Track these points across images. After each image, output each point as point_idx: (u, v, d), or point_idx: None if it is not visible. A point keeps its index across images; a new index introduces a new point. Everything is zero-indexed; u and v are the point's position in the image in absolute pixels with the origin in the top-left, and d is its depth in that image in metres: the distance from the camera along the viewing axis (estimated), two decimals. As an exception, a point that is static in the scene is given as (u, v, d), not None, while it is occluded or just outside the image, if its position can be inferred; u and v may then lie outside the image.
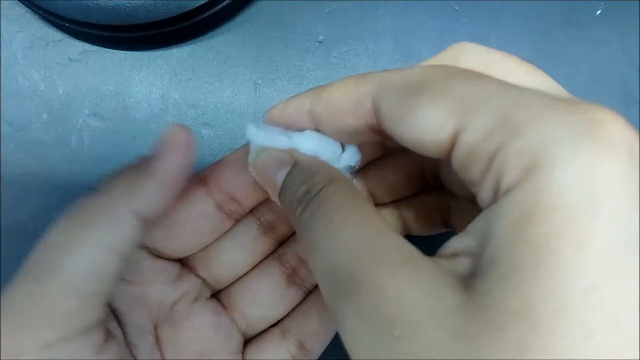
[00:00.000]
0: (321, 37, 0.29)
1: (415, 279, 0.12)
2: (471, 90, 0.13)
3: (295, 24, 0.29)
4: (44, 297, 0.16)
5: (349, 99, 0.16)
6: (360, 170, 0.21)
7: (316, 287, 0.23)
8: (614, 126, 0.12)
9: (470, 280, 0.12)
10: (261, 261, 0.23)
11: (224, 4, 0.27)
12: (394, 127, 0.15)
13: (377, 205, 0.23)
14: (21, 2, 0.27)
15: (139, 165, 0.18)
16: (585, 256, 0.11)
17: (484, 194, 0.13)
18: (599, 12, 0.29)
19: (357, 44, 0.29)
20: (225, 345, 0.22)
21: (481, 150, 0.13)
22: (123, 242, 0.17)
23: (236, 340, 0.22)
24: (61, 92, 0.29)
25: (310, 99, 0.17)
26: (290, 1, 0.29)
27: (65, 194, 0.29)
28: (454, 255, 0.13)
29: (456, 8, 0.29)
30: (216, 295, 0.23)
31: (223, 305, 0.23)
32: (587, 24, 0.28)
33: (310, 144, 0.18)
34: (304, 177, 0.17)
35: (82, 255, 0.16)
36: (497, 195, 0.12)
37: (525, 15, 0.29)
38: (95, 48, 0.29)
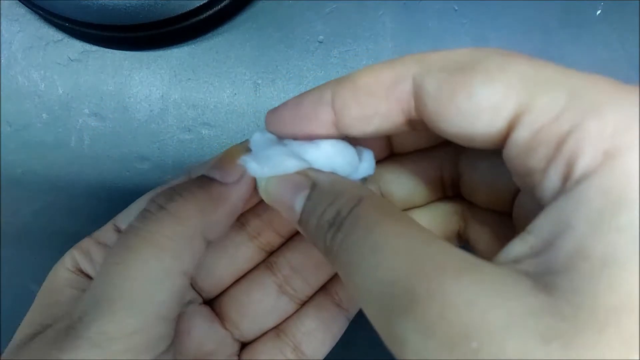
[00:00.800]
0: (321, 37, 0.29)
1: (485, 284, 0.11)
2: (534, 69, 0.12)
3: (295, 24, 0.29)
4: (140, 328, 0.16)
5: (382, 81, 0.15)
6: (371, 178, 0.20)
7: (312, 297, 0.23)
8: None
9: (547, 279, 0.11)
10: (252, 271, 0.23)
11: (224, 4, 0.27)
12: (440, 110, 0.13)
13: None
14: (21, 2, 0.28)
15: (209, 191, 0.18)
16: None
17: (549, 182, 0.12)
18: (599, 12, 0.29)
19: (357, 44, 0.29)
20: (219, 349, 0.22)
21: (550, 131, 0.12)
22: (195, 265, 0.18)
23: (230, 345, 0.22)
24: (61, 92, 0.29)
25: (331, 89, 0.16)
26: (290, 1, 0.29)
27: (65, 194, 0.29)
28: (517, 260, 0.12)
29: (456, 8, 0.29)
30: (209, 303, 0.23)
31: (216, 313, 0.23)
32: (587, 24, 0.28)
33: (326, 160, 0.17)
34: (328, 200, 0.15)
35: (170, 285, 0.17)
36: (567, 182, 0.11)
37: (525, 15, 0.29)
38: (95, 48, 0.29)
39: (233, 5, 0.28)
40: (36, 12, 0.28)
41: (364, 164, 0.18)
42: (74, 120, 0.29)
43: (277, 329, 0.23)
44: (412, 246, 0.12)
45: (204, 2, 0.26)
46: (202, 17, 0.27)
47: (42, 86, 0.29)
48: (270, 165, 0.17)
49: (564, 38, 0.28)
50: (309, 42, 0.29)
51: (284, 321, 0.23)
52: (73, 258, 0.20)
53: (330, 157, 0.17)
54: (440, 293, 0.11)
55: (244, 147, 0.19)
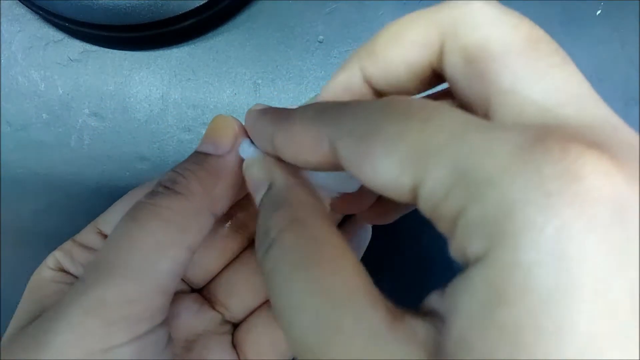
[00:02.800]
0: (321, 37, 0.29)
1: (376, 353, 0.11)
2: (425, 137, 0.12)
3: (295, 24, 0.29)
4: (140, 296, 0.16)
5: (308, 137, 0.15)
6: None
7: None
8: (595, 179, 0.10)
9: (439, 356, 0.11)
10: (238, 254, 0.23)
11: (224, 4, 0.27)
12: (356, 174, 0.13)
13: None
14: (21, 2, 0.27)
15: (207, 166, 0.18)
16: (563, 351, 0.09)
17: (454, 253, 0.11)
18: (599, 12, 0.29)
19: (357, 44, 0.29)
20: (210, 329, 0.22)
21: (442, 210, 0.11)
22: (200, 242, 0.18)
23: (221, 326, 0.23)
24: (61, 92, 0.29)
25: (274, 127, 0.16)
26: (290, 1, 0.29)
27: (65, 194, 0.29)
28: (430, 313, 0.12)
29: (456, 8, 0.29)
30: (197, 291, 0.23)
31: (204, 298, 0.23)
32: (587, 23, 0.28)
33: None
34: (271, 208, 0.16)
35: (173, 257, 0.17)
36: (465, 261, 0.11)
37: (525, 15, 0.29)
38: (95, 48, 0.29)
39: (233, 5, 0.28)
40: (36, 12, 0.28)
41: (351, 183, 0.18)
42: (74, 120, 0.29)
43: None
44: (327, 307, 0.12)
45: (204, 2, 0.26)
46: (202, 17, 0.27)
47: (42, 86, 0.29)
48: (244, 148, 0.18)
49: (564, 38, 0.28)
50: (309, 42, 0.29)
51: None
52: (55, 259, 0.20)
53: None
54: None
55: (230, 117, 0.19)
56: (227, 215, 0.23)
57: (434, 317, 0.12)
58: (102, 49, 0.29)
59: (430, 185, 0.11)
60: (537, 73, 0.13)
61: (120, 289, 0.16)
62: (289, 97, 0.29)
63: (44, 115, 0.29)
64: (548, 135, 0.10)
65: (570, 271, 0.09)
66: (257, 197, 0.17)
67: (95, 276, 0.16)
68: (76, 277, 0.20)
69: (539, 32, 0.15)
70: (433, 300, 0.12)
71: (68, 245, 0.21)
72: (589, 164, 0.10)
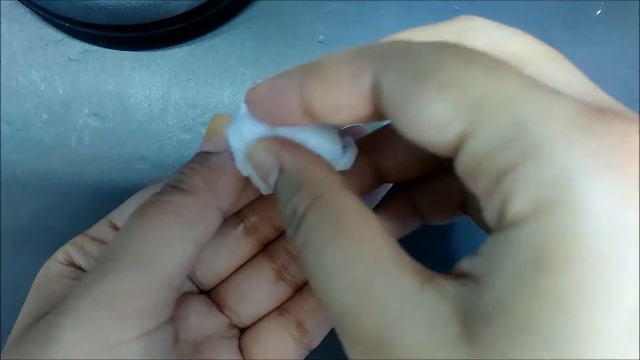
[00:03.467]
0: (321, 37, 0.29)
1: (414, 326, 0.11)
2: (489, 87, 0.11)
3: (295, 24, 0.29)
4: (148, 289, 0.16)
5: (345, 72, 0.14)
6: (367, 145, 0.20)
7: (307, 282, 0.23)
8: None
9: (470, 323, 0.11)
10: (250, 259, 0.23)
11: (224, 4, 0.27)
12: (395, 114, 0.13)
13: (390, 188, 0.21)
14: (21, 2, 0.27)
15: (208, 164, 0.19)
16: (609, 321, 0.09)
17: (488, 213, 0.11)
18: (599, 12, 0.29)
19: (357, 44, 0.29)
20: (218, 333, 0.22)
21: (489, 164, 0.11)
22: (208, 238, 0.18)
23: (229, 330, 0.22)
24: (61, 92, 0.29)
25: (299, 76, 0.15)
26: (290, 1, 0.29)
27: (65, 194, 0.29)
28: (463, 275, 0.12)
29: (456, 8, 0.29)
30: (206, 292, 0.23)
31: (213, 301, 0.23)
32: (587, 24, 0.28)
33: (312, 139, 0.17)
34: (291, 190, 0.15)
35: (180, 251, 0.17)
36: (502, 222, 0.11)
37: (525, 15, 0.29)
38: (95, 48, 0.29)
39: (233, 5, 0.28)
40: (36, 12, 0.28)
41: (344, 158, 0.18)
42: (74, 120, 0.29)
43: (281, 308, 0.23)
44: (359, 273, 0.13)
45: (204, 2, 0.26)
46: (202, 17, 0.27)
47: (42, 86, 0.29)
48: (239, 136, 0.18)
49: (564, 38, 0.28)
50: (309, 42, 0.29)
51: (287, 301, 0.23)
52: (66, 253, 0.20)
53: (312, 145, 0.17)
54: (378, 329, 0.12)
55: (225, 115, 0.20)
56: (239, 218, 0.23)
57: (466, 279, 0.12)
58: (102, 49, 0.29)
59: (484, 136, 0.11)
60: (560, 69, 0.14)
61: (128, 281, 0.16)
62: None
63: (44, 115, 0.29)
64: (605, 109, 0.11)
65: (626, 245, 0.09)
66: (270, 181, 0.17)
67: (104, 270, 0.16)
68: (86, 271, 0.20)
69: (542, 42, 0.15)
70: (465, 263, 0.12)
71: (80, 239, 0.21)
72: None
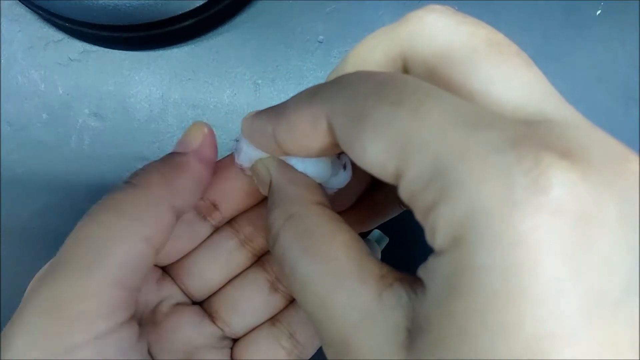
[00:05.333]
0: (321, 37, 0.29)
1: (370, 334, 0.13)
2: (412, 128, 0.12)
3: (295, 24, 0.29)
4: (93, 290, 0.16)
5: (305, 119, 0.15)
6: None
7: None
8: (560, 191, 0.10)
9: (415, 328, 0.12)
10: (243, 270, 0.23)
11: (224, 4, 0.27)
12: (347, 151, 0.14)
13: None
14: (21, 2, 0.27)
15: (170, 161, 0.19)
16: (511, 346, 0.10)
17: (427, 239, 0.12)
18: (599, 12, 0.29)
19: (357, 44, 0.29)
20: (209, 344, 0.22)
21: (419, 201, 0.12)
22: (162, 236, 0.18)
23: (221, 341, 0.22)
24: (61, 92, 0.29)
25: (272, 123, 0.17)
26: (290, 1, 0.29)
27: (65, 194, 0.29)
28: (419, 280, 0.13)
29: (456, 8, 0.29)
30: (198, 303, 0.23)
31: (205, 312, 0.23)
32: (587, 24, 0.28)
33: (300, 164, 0.18)
34: (271, 205, 0.17)
35: (128, 248, 0.17)
36: (433, 249, 0.12)
37: (526, 15, 0.29)
38: (95, 48, 0.29)
39: (233, 5, 0.28)
40: (36, 12, 0.28)
41: (338, 178, 0.19)
42: (74, 120, 0.29)
43: (274, 319, 0.23)
44: (325, 289, 0.14)
45: (204, 2, 0.26)
46: (202, 17, 0.27)
47: (42, 86, 0.29)
48: (242, 153, 0.19)
49: (564, 38, 0.28)
50: (309, 42, 0.29)
51: (280, 311, 0.23)
52: None
53: (300, 169, 0.18)
54: (349, 340, 0.13)
55: (202, 123, 0.20)
56: (234, 229, 0.22)
57: (419, 285, 0.13)
58: (102, 49, 0.29)
59: (410, 176, 0.12)
60: (506, 73, 0.14)
61: (71, 284, 0.15)
62: (289, 97, 0.29)
63: (44, 115, 0.29)
64: (524, 140, 0.11)
65: (519, 278, 0.10)
66: (265, 193, 0.18)
67: (51, 274, 0.16)
68: None
69: (498, 36, 0.15)
70: (421, 269, 0.13)
71: None
72: (558, 175, 0.10)
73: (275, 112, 0.17)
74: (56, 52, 0.29)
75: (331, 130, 0.15)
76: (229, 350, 0.22)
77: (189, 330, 0.22)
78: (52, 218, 0.29)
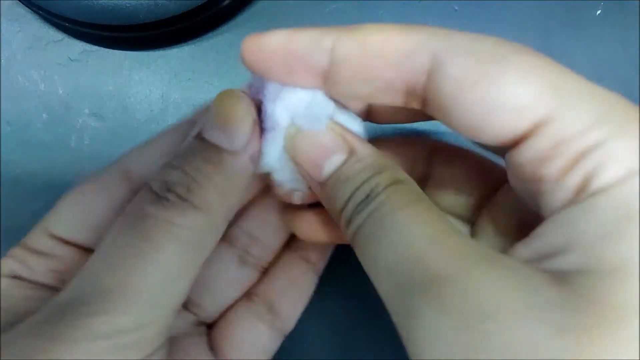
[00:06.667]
0: (321, 37, 0.29)
1: (503, 273, 0.12)
2: (565, 78, 0.12)
3: (295, 24, 0.29)
4: (150, 323, 0.15)
5: (395, 47, 0.13)
6: None
7: (274, 261, 0.22)
8: None
9: (560, 277, 0.11)
10: None
11: (224, 4, 0.27)
12: (458, 94, 0.12)
13: None
14: (21, 2, 0.27)
15: (224, 168, 0.16)
16: None
17: (561, 192, 0.12)
18: (599, 12, 0.29)
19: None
20: (183, 331, 0.21)
21: (573, 144, 0.12)
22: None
23: (195, 325, 0.21)
24: (61, 92, 0.29)
25: (333, 36, 0.14)
26: (290, 1, 0.29)
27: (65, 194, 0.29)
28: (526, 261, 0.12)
29: (456, 8, 0.29)
30: None
31: None
32: (587, 23, 0.28)
33: (304, 111, 0.15)
34: (368, 173, 0.15)
35: (189, 279, 0.16)
36: (581, 194, 0.12)
37: (526, 15, 0.29)
38: (95, 48, 0.29)
39: (233, 5, 0.28)
40: (36, 12, 0.28)
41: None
42: (74, 120, 0.29)
43: (249, 293, 0.22)
44: (438, 233, 0.13)
45: (205, 2, 0.26)
46: (202, 17, 0.27)
47: (42, 86, 0.29)
48: (308, 119, 0.15)
49: (564, 38, 0.28)
50: (309, 42, 0.29)
51: (254, 285, 0.22)
52: (9, 268, 0.18)
53: (308, 109, 0.15)
54: (461, 276, 0.12)
55: (239, 95, 0.16)
56: None
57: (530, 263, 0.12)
58: (102, 49, 0.29)
59: (568, 119, 0.12)
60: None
61: (137, 316, 0.14)
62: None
63: (44, 115, 0.29)
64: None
65: None
66: (329, 164, 0.15)
67: (104, 300, 0.14)
68: (33, 282, 0.18)
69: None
70: (519, 252, 0.13)
71: (19, 252, 0.19)
72: None
73: (340, 30, 0.14)
74: (56, 52, 0.29)
75: (433, 68, 0.13)
76: (206, 338, 0.21)
77: None
78: (52, 218, 0.29)
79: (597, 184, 0.11)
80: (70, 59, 0.29)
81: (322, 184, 0.16)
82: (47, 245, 0.19)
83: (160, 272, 0.15)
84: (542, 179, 0.12)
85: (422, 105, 0.14)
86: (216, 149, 0.16)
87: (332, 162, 0.15)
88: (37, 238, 0.19)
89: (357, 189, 0.15)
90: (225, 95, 0.16)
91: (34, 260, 0.18)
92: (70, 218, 0.17)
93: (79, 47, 0.29)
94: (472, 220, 0.19)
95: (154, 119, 0.29)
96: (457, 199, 0.19)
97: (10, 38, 0.29)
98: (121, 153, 0.29)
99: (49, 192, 0.29)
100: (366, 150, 0.15)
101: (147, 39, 0.28)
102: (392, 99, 0.14)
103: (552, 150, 0.12)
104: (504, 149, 0.13)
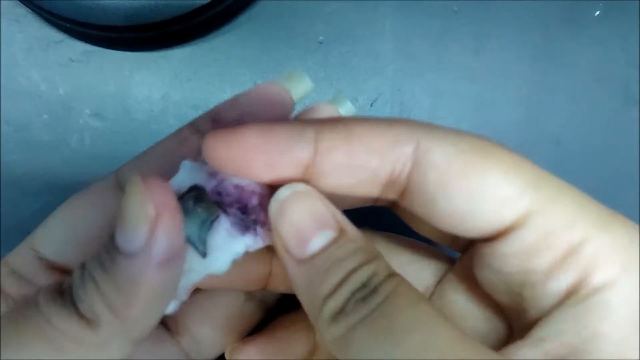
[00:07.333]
0: (321, 38, 0.29)
1: None
2: (542, 175, 0.13)
3: (295, 24, 0.29)
4: None
5: (381, 136, 0.13)
6: None
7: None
8: None
9: None
10: None
11: (225, 4, 0.27)
12: (443, 184, 0.13)
13: None
14: (22, 2, 0.28)
15: (114, 275, 0.14)
16: None
17: (554, 286, 0.12)
18: (598, 12, 0.29)
19: (357, 44, 0.29)
20: None
21: (560, 238, 0.12)
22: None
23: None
24: (62, 92, 0.29)
25: (315, 129, 0.13)
26: (291, 1, 0.29)
27: (65, 194, 0.29)
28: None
29: (456, 9, 0.29)
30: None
31: (169, 329, 0.20)
32: (587, 24, 0.28)
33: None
34: (359, 257, 0.13)
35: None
36: (581, 291, 0.12)
37: (525, 15, 0.29)
38: (96, 48, 0.29)
39: (234, 6, 0.28)
40: (37, 13, 0.28)
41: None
42: (75, 121, 0.29)
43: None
44: (458, 335, 0.12)
45: (205, 2, 0.26)
46: (203, 17, 0.27)
47: (43, 87, 0.29)
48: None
49: (564, 38, 0.28)
50: (309, 43, 0.29)
51: None
52: None
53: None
54: None
55: (141, 188, 0.13)
56: None
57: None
58: (102, 49, 0.29)
59: (552, 212, 0.12)
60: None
61: None
62: (290, 98, 0.29)
63: (44, 115, 0.29)
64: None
65: None
66: (316, 241, 0.13)
67: None
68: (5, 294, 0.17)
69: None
70: (525, 352, 0.12)
71: (1, 268, 0.18)
72: None
73: (321, 122, 0.14)
74: (57, 52, 0.29)
75: (418, 158, 0.13)
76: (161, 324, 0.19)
77: (145, 350, 0.19)
78: (52, 218, 0.29)
79: (596, 280, 0.12)
80: (70, 59, 0.29)
81: (303, 262, 0.14)
82: (28, 266, 0.17)
83: None
84: (530, 271, 0.12)
85: (399, 196, 0.14)
86: (114, 248, 0.13)
87: (322, 238, 0.13)
88: (22, 258, 0.18)
89: (351, 273, 0.13)
90: (131, 186, 0.13)
91: (11, 282, 0.17)
92: (59, 237, 0.16)
93: (80, 47, 0.29)
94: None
95: (155, 120, 0.29)
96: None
97: (10, 38, 0.29)
98: (121, 153, 0.29)
99: (49, 192, 0.29)
100: (356, 232, 0.14)
101: (148, 39, 0.28)
102: (371, 189, 0.14)
103: (540, 243, 0.12)
104: (480, 240, 0.13)
